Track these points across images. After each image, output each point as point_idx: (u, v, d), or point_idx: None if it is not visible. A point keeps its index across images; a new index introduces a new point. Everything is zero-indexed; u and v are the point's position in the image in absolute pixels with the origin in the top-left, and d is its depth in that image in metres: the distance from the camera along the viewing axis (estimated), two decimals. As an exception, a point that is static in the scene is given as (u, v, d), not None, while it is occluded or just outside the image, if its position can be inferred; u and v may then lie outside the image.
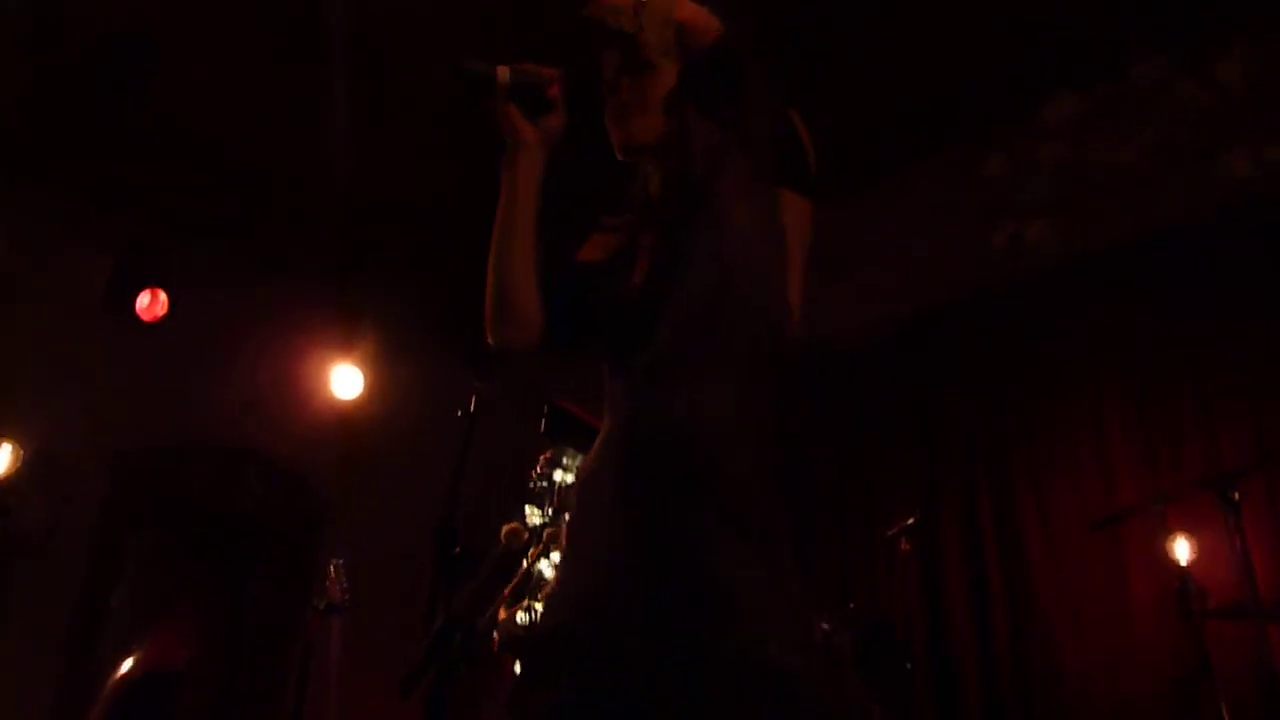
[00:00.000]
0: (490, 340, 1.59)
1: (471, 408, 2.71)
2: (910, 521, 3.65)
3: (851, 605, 3.45)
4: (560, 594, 1.41)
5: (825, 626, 2.96)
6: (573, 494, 2.70)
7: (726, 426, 1.35)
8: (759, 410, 1.39)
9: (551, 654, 1.33)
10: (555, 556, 2.62)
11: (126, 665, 4.16)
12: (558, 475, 2.65)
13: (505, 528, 2.41)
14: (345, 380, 4.99)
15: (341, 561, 3.74)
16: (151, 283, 4.67)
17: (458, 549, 2.42)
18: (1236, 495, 2.65)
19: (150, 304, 4.69)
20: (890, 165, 4.63)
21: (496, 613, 2.63)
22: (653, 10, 1.46)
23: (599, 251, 1.60)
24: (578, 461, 2.67)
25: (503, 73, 1.47)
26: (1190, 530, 3.33)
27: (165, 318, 4.69)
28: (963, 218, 4.56)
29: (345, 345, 4.99)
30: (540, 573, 2.55)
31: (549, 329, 1.57)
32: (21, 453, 4.35)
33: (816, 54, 3.99)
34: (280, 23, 3.96)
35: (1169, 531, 3.32)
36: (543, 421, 2.61)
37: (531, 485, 2.65)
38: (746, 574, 1.27)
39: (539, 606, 2.57)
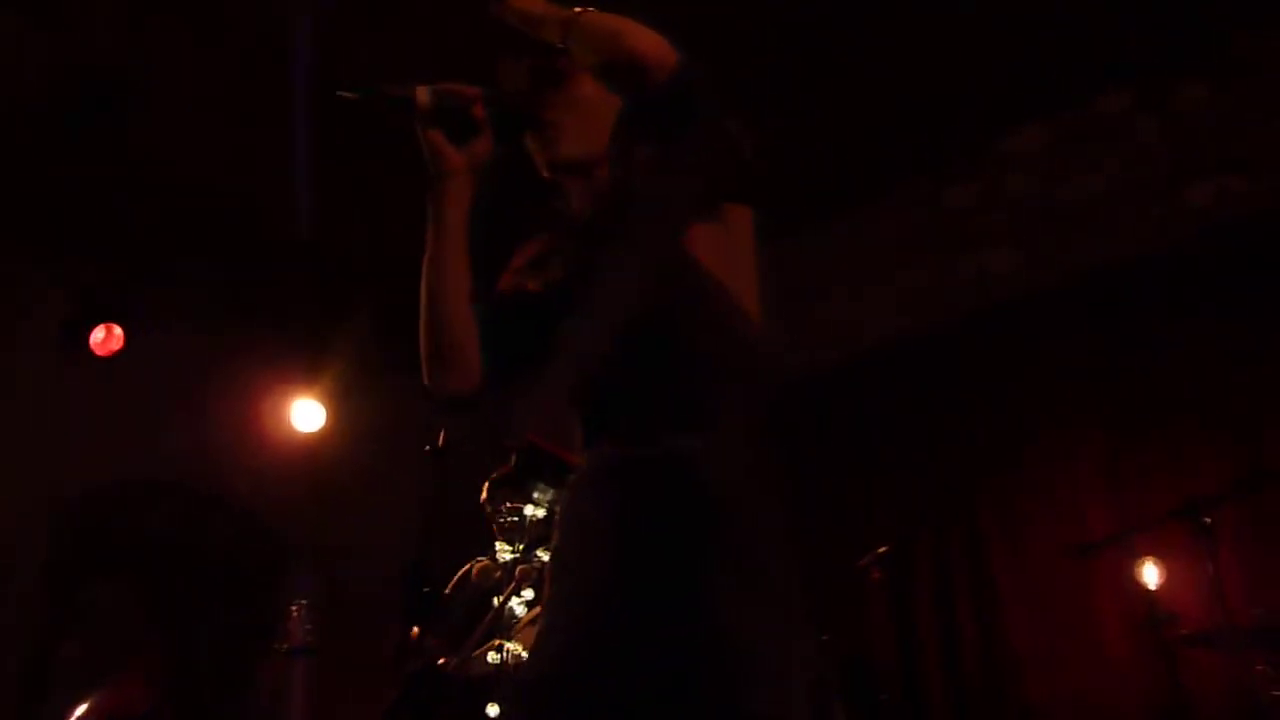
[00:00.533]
0: (429, 386, 1.47)
1: (439, 444, 2.67)
2: (882, 551, 3.63)
3: (825, 637, 3.42)
4: (550, 640, 1.31)
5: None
6: (546, 528, 2.66)
7: (721, 466, 1.27)
8: (751, 443, 1.32)
9: (540, 702, 1.24)
10: (527, 594, 2.56)
11: (80, 711, 4.02)
12: (529, 510, 2.59)
13: (476, 565, 2.36)
14: (307, 415, 4.91)
15: (305, 602, 3.65)
16: (108, 319, 4.57)
17: (426, 588, 2.37)
18: (1209, 520, 2.66)
19: (105, 339, 4.59)
20: (855, 197, 4.68)
21: (470, 654, 2.57)
22: (589, 27, 1.36)
23: (524, 278, 1.51)
24: (549, 496, 2.63)
25: (422, 94, 1.38)
26: (1159, 556, 3.35)
27: (121, 353, 4.58)
28: (928, 249, 4.60)
29: (308, 380, 4.90)
30: (512, 610, 2.49)
31: (489, 370, 1.45)
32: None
33: (782, 85, 4.03)
34: (246, 64, 3.93)
35: (1137, 557, 3.35)
36: (514, 456, 2.57)
37: (502, 520, 2.59)
38: (756, 629, 1.19)
39: (511, 646, 2.51)
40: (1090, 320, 4.00)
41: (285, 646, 3.55)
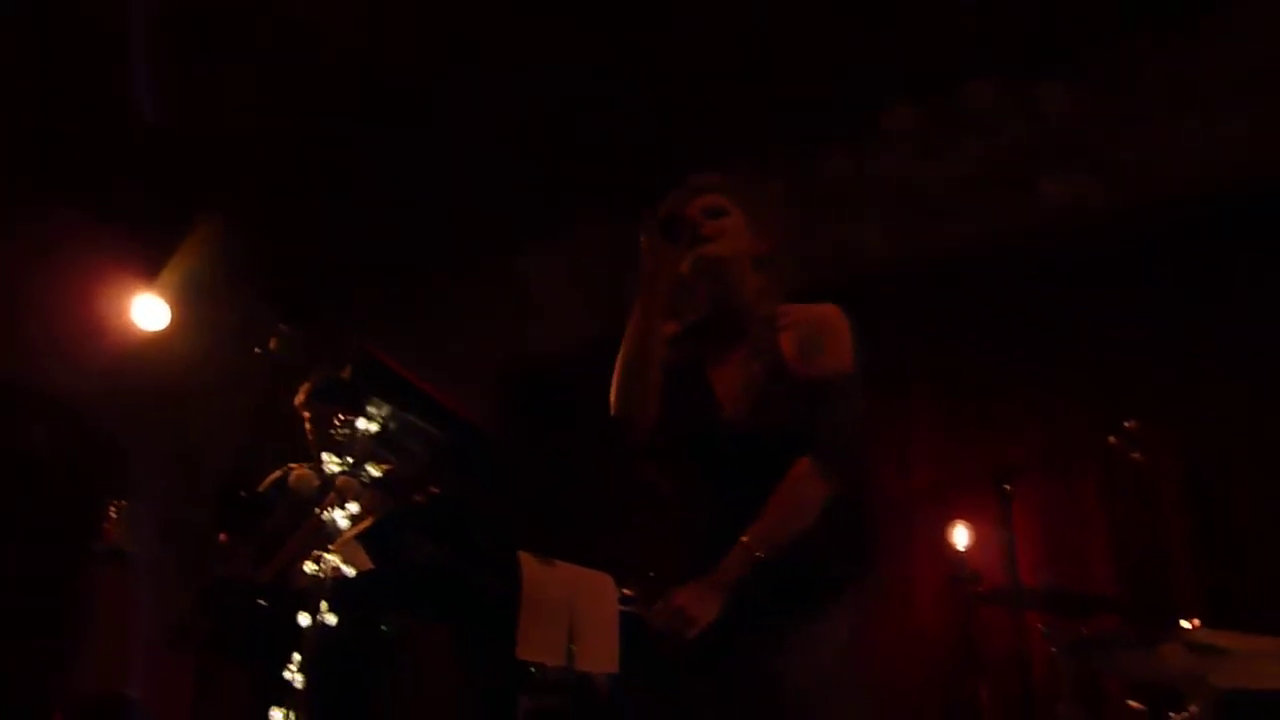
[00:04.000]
0: (619, 417, 1.93)
1: (272, 348, 2.58)
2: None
3: (652, 574, 3.50)
4: None
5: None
6: (378, 443, 2.62)
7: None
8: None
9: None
10: (353, 507, 2.53)
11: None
12: (361, 423, 2.54)
13: (294, 472, 2.31)
14: (149, 312, 4.66)
15: (124, 504, 3.53)
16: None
17: (244, 493, 2.31)
18: (1008, 488, 2.85)
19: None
20: (724, 160, 4.70)
21: (286, 563, 2.53)
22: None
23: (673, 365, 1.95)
24: (384, 411, 2.58)
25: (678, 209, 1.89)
26: (972, 520, 3.58)
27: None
28: (795, 216, 4.69)
29: (150, 276, 4.65)
30: (334, 522, 2.45)
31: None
32: None
33: (669, 51, 4.03)
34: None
35: (953, 520, 3.57)
36: (349, 368, 2.51)
37: (332, 431, 2.53)
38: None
39: (330, 558, 2.47)
40: (936, 295, 4.19)
41: (101, 548, 3.44)
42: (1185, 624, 2.49)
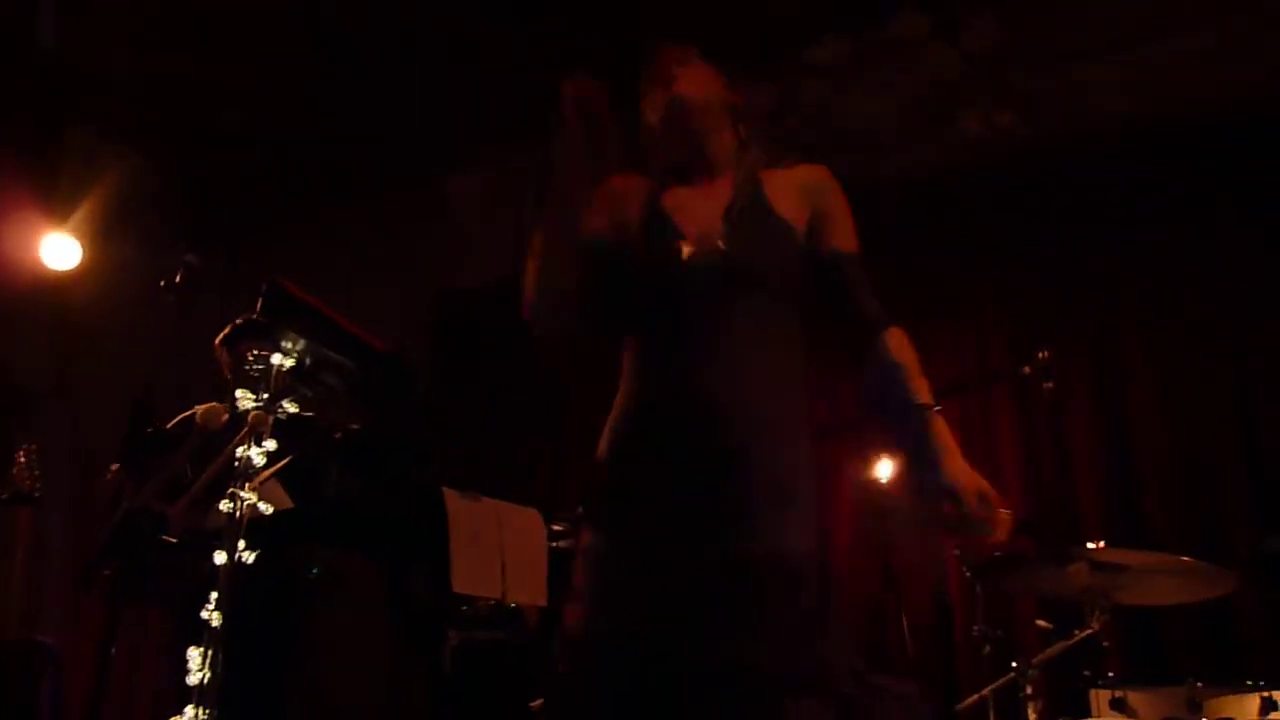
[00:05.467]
0: (534, 322, 1.66)
1: (178, 280, 2.50)
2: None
3: (581, 510, 3.52)
4: (609, 587, 1.49)
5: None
6: (293, 379, 2.56)
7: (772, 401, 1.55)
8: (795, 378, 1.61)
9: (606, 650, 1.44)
10: (269, 444, 2.47)
11: None
12: (275, 359, 2.48)
13: (201, 408, 2.24)
14: (58, 251, 4.47)
15: (33, 447, 3.41)
16: None
17: (150, 429, 2.24)
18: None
19: None
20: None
21: (195, 500, 2.47)
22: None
23: (611, 219, 1.70)
24: (299, 346, 2.52)
25: (567, 89, 1.64)
26: (890, 451, 3.64)
27: None
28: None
29: (57, 215, 4.45)
30: (249, 459, 2.40)
31: (595, 309, 1.67)
32: None
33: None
34: None
35: (875, 451, 3.63)
36: (260, 300, 2.44)
37: (246, 367, 2.47)
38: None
39: (246, 496, 2.42)
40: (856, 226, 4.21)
41: (7, 493, 3.33)
42: (1090, 545, 2.58)
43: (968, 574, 3.02)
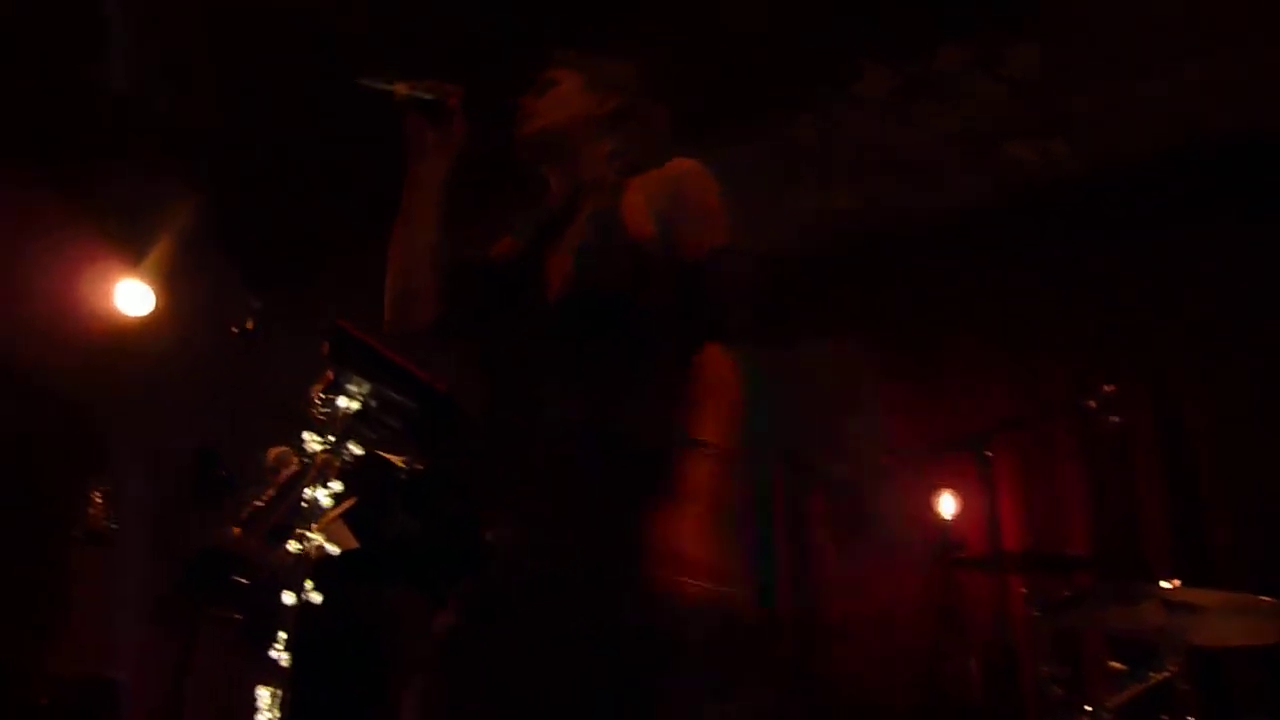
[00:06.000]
0: (387, 321, 1.72)
1: (248, 326, 2.57)
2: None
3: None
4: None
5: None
6: (358, 421, 2.61)
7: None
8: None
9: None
10: (335, 485, 2.53)
11: None
12: (341, 401, 2.54)
13: (272, 451, 2.30)
14: (131, 296, 4.63)
15: (108, 489, 3.51)
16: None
17: (221, 472, 2.31)
18: (989, 454, 2.85)
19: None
20: (696, 124, 4.65)
21: (265, 541, 2.52)
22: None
23: (491, 244, 1.78)
24: (364, 389, 2.58)
25: (400, 88, 1.68)
26: (956, 488, 3.59)
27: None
28: (769, 179, 4.66)
29: (129, 260, 4.61)
30: (316, 501, 2.45)
31: (446, 315, 1.70)
32: None
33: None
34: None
35: (936, 488, 3.59)
36: (327, 345, 2.50)
37: (313, 410, 2.53)
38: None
39: (314, 536, 2.47)
40: (904, 262, 4.20)
41: (82, 533, 3.43)
42: (1165, 584, 2.51)
43: (1034, 613, 2.95)
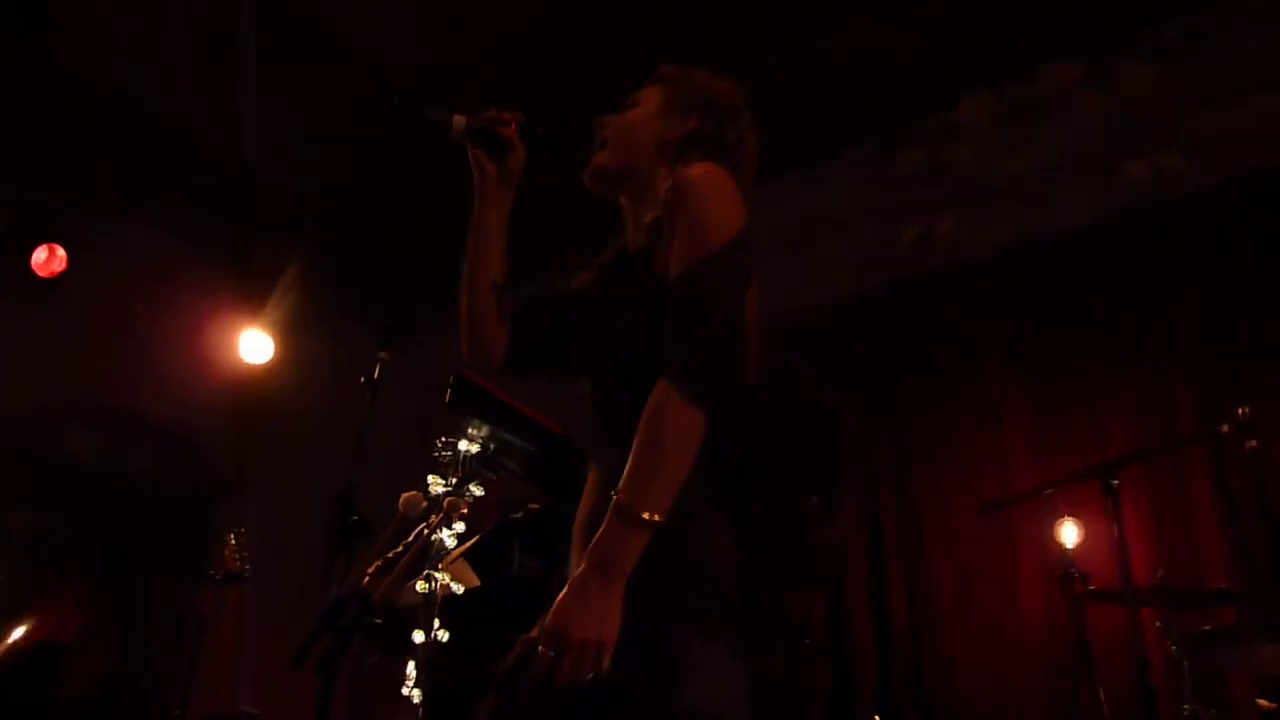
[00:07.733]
0: (465, 357, 1.70)
1: (375, 375, 2.69)
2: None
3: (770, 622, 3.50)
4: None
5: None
6: (479, 463, 2.70)
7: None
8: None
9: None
10: (459, 526, 2.61)
11: (15, 635, 4.01)
12: (462, 445, 2.64)
13: (404, 496, 2.40)
14: (254, 346, 4.86)
15: (242, 530, 3.67)
16: (47, 240, 4.47)
17: (355, 517, 2.41)
18: (1116, 482, 2.76)
19: (48, 260, 4.50)
20: (802, 156, 4.68)
21: (395, 582, 2.61)
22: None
23: (562, 281, 1.71)
24: (483, 432, 2.67)
25: (459, 121, 1.61)
26: (1077, 516, 3.47)
27: (63, 275, 4.51)
28: (873, 212, 4.64)
29: (253, 311, 4.86)
30: (441, 542, 2.54)
31: (511, 354, 1.67)
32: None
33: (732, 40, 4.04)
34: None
35: (1058, 517, 3.47)
36: (448, 392, 2.60)
37: (436, 454, 2.63)
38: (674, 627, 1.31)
39: (440, 576, 2.56)
40: (1019, 289, 4.10)
41: (220, 574, 3.58)
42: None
43: (1173, 649, 2.83)
